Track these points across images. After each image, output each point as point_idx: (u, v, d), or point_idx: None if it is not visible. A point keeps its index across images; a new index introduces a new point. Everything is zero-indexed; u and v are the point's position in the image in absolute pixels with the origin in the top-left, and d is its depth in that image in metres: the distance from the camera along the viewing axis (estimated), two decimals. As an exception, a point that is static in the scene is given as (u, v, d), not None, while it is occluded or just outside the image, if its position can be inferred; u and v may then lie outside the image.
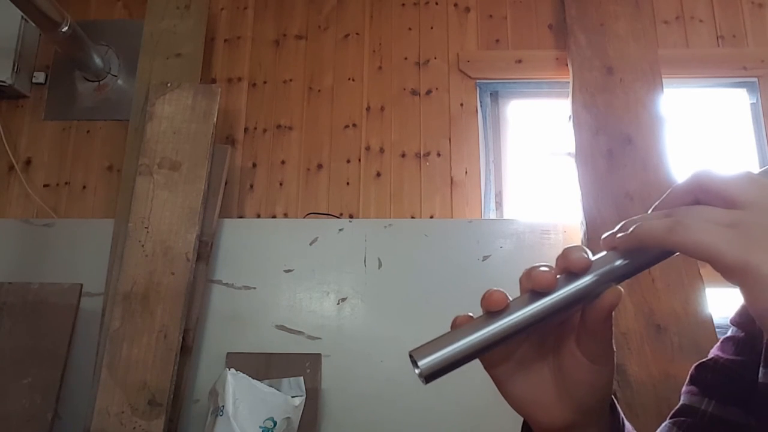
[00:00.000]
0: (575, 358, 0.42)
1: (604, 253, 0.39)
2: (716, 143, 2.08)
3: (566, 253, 0.39)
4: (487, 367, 0.44)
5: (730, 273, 0.31)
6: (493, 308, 0.39)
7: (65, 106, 2.11)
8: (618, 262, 0.38)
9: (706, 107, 2.13)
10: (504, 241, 1.85)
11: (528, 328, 0.38)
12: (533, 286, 0.39)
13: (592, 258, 0.39)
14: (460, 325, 0.39)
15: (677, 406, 0.57)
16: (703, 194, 0.35)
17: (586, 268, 0.38)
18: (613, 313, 0.39)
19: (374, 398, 1.72)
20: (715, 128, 2.10)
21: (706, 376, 0.56)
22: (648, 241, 0.35)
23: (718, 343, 0.57)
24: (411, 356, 0.37)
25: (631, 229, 0.36)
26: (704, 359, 0.58)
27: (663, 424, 0.57)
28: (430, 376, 0.37)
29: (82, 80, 2.11)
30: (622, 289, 0.38)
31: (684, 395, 0.57)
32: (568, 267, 0.39)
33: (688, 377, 0.58)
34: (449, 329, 0.40)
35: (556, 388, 0.43)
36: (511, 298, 0.40)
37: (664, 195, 0.38)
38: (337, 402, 1.73)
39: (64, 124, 2.10)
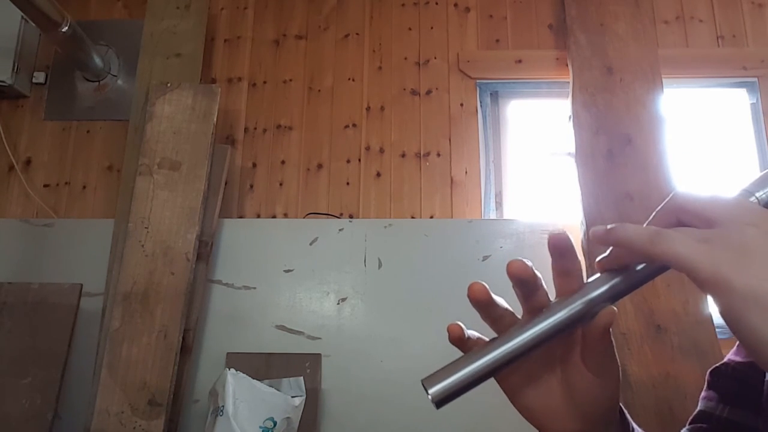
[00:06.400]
0: (580, 372, 0.44)
1: (597, 275, 0.42)
2: (716, 143, 2.07)
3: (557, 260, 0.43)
4: (498, 381, 0.46)
5: (703, 285, 0.33)
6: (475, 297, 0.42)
7: (65, 106, 2.11)
8: (610, 283, 0.41)
9: (706, 107, 2.13)
10: (504, 241, 1.84)
11: (527, 352, 0.41)
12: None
13: (588, 280, 0.42)
14: (470, 349, 0.43)
15: (695, 412, 0.58)
16: (683, 215, 0.37)
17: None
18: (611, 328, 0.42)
19: (374, 398, 1.72)
20: (715, 128, 2.10)
21: (720, 380, 0.58)
22: (628, 246, 0.37)
23: (735, 347, 0.58)
24: (423, 384, 0.41)
25: (611, 226, 0.38)
26: (718, 363, 0.59)
27: (682, 431, 0.57)
28: (441, 401, 0.41)
29: (82, 80, 2.11)
30: (615, 309, 0.41)
31: (701, 401, 0.58)
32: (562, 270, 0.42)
33: (705, 383, 0.59)
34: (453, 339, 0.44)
35: (565, 398, 0.45)
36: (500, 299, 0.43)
37: (650, 218, 0.40)
38: (337, 402, 1.73)
39: (64, 124, 2.10)
